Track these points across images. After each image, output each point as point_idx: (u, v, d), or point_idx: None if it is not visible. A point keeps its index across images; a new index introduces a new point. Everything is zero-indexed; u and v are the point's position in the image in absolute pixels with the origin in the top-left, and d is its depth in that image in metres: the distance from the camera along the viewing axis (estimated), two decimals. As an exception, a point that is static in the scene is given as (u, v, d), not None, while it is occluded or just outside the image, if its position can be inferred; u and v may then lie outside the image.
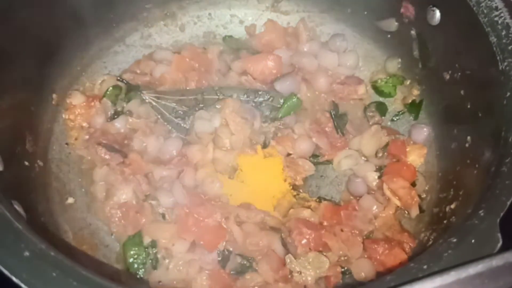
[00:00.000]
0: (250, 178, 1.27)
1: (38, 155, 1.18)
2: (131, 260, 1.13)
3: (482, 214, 0.82)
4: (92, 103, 1.29)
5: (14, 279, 0.71)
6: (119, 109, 1.31)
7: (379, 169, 1.26)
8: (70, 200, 1.21)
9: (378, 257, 1.12)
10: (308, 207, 1.20)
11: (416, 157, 1.27)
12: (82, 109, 1.28)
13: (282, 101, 1.33)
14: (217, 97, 1.32)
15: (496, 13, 1.01)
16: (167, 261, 1.13)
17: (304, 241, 1.13)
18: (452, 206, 1.07)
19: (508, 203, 0.83)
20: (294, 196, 1.25)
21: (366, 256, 1.13)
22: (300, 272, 1.10)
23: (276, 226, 1.19)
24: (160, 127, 1.29)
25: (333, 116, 1.32)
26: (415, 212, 1.19)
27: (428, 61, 1.27)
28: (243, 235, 1.15)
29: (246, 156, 1.28)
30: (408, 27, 1.28)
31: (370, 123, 1.33)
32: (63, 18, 1.19)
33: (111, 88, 1.32)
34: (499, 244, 0.77)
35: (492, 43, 0.99)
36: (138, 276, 1.12)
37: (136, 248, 1.13)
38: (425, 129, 1.30)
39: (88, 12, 1.26)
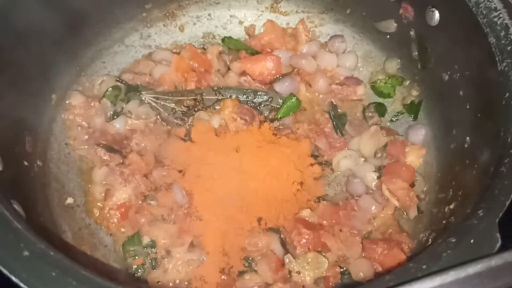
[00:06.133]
0: (249, 179, 1.27)
1: (38, 155, 1.18)
2: (130, 260, 1.13)
3: (481, 214, 0.82)
4: (92, 104, 1.29)
5: (13, 278, 0.71)
6: (118, 109, 1.31)
7: (378, 169, 1.26)
8: (69, 200, 1.20)
9: (376, 257, 1.12)
10: (307, 207, 1.20)
11: (415, 158, 1.27)
12: (82, 109, 1.28)
13: (281, 101, 1.33)
14: (216, 97, 1.32)
15: (495, 14, 1.01)
16: (166, 261, 1.12)
17: (303, 241, 1.13)
18: (451, 206, 1.07)
19: (507, 203, 0.83)
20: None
21: (364, 256, 1.14)
22: (299, 272, 1.10)
23: (275, 226, 1.19)
24: (160, 128, 1.29)
25: (332, 116, 1.32)
26: (413, 213, 1.19)
27: (427, 61, 1.27)
28: (242, 235, 1.15)
29: (245, 156, 1.28)
30: (407, 27, 1.28)
31: (369, 123, 1.33)
32: (62, 18, 1.19)
33: (110, 88, 1.32)
34: (498, 244, 0.77)
35: (491, 43, 0.99)
36: (137, 276, 1.12)
37: (135, 248, 1.14)
38: (421, 130, 1.30)
39: (87, 12, 1.25)
